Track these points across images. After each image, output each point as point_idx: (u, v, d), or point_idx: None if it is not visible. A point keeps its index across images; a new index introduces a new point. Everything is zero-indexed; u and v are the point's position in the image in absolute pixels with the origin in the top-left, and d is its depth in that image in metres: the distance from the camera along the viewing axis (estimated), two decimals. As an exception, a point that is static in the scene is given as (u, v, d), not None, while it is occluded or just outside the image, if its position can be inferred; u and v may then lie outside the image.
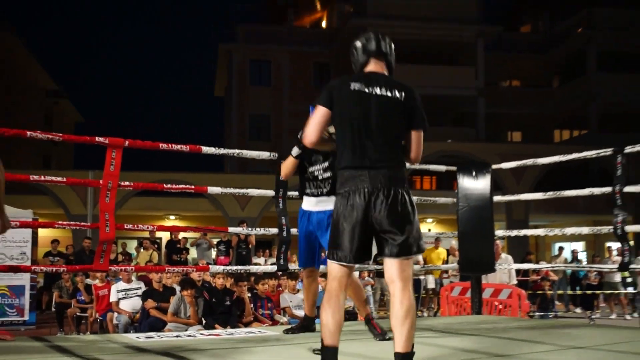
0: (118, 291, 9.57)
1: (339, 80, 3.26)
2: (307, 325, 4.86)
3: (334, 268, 3.14)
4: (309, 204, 4.57)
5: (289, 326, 5.17)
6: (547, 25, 32.02)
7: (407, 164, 3.37)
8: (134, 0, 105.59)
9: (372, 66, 3.34)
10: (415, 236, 3.09)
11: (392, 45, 3.43)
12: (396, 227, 3.04)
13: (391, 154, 3.13)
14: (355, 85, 3.18)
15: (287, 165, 4.47)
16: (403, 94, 3.20)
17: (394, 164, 3.12)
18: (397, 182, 3.09)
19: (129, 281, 9.75)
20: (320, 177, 4.50)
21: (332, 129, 3.42)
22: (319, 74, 30.35)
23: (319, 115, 3.22)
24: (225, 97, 33.82)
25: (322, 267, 4.70)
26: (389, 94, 3.18)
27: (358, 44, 3.38)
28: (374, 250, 3.17)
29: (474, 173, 6.33)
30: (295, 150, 4.36)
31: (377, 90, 3.17)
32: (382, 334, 4.47)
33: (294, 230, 5.36)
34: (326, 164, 4.46)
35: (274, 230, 5.67)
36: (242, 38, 29.89)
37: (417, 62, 27.76)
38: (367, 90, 3.17)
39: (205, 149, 5.57)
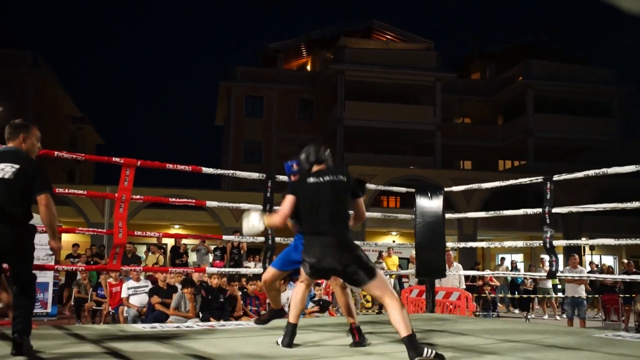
0: (128, 288, 9.46)
1: (298, 179, 3.84)
2: (277, 314, 4.61)
3: (304, 275, 3.82)
4: None
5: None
6: (493, 73, 32.39)
7: (356, 223, 3.91)
8: (150, 44, 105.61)
9: (316, 169, 3.84)
10: (366, 265, 3.48)
11: (328, 151, 3.95)
12: (351, 268, 3.46)
13: (336, 223, 3.58)
14: (310, 179, 3.73)
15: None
16: (345, 177, 3.73)
17: (337, 230, 3.56)
18: (342, 244, 3.52)
19: (138, 280, 9.65)
20: None
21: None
22: (303, 108, 30.45)
23: (287, 202, 3.73)
24: (224, 126, 33.76)
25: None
26: (335, 178, 3.70)
27: (303, 156, 3.91)
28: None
29: (429, 194, 6.38)
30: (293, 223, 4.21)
31: (327, 178, 3.69)
32: (360, 343, 4.00)
33: (278, 239, 5.36)
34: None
35: (262, 239, 5.67)
36: (239, 77, 29.93)
37: (385, 101, 27.96)
38: (319, 180, 3.69)
39: (205, 170, 5.58)
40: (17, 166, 3.47)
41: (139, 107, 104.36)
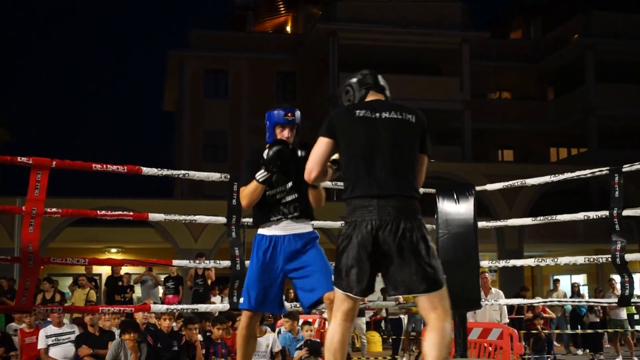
0: (47, 336, 9.35)
1: (340, 110, 3.55)
2: None
3: (339, 297, 3.43)
4: (275, 228, 4.22)
5: None
6: (539, 31, 32.38)
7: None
8: (69, 1, 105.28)
9: (372, 97, 3.55)
10: (431, 271, 3.29)
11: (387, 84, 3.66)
12: (408, 264, 3.25)
13: (403, 181, 3.33)
14: (360, 112, 3.41)
15: (251, 193, 4.19)
16: (413, 116, 3.41)
17: (406, 193, 3.32)
18: (408, 213, 3.29)
19: (60, 325, 9.53)
20: (284, 201, 4.25)
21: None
22: (283, 84, 30.42)
23: (322, 147, 3.48)
24: (176, 111, 33.70)
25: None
26: (398, 116, 3.38)
27: (354, 80, 3.63)
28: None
29: (455, 195, 6.35)
30: (262, 175, 4.11)
31: (385, 114, 3.37)
32: None
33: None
34: (290, 184, 4.22)
35: (226, 263, 5.62)
36: (195, 45, 29.88)
37: (393, 72, 27.82)
38: (373, 115, 3.37)
39: (146, 170, 5.53)
40: None
41: (60, 91, 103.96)
